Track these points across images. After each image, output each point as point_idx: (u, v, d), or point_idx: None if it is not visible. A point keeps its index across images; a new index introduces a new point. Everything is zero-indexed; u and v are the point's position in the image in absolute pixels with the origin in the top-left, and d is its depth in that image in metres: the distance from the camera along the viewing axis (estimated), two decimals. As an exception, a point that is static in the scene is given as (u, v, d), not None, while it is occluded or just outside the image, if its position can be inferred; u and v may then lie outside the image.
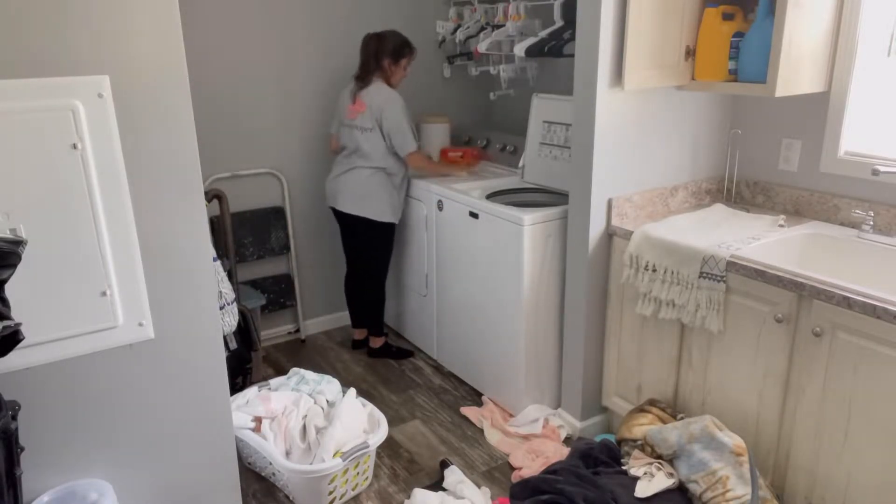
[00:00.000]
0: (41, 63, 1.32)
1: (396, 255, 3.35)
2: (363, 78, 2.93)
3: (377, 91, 2.91)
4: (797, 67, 2.10)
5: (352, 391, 2.49)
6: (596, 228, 2.40)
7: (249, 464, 2.46)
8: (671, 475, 2.03)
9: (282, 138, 3.28)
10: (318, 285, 3.55)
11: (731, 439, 1.98)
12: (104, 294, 1.46)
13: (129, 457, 1.62)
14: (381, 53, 2.91)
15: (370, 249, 3.16)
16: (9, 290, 1.21)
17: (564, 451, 2.44)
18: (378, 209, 3.02)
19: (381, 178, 2.99)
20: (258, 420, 2.36)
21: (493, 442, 2.62)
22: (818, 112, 2.32)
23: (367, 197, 3.00)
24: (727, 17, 2.21)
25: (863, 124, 2.28)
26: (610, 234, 2.42)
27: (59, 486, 1.51)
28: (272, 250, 3.34)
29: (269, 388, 2.53)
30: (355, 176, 2.99)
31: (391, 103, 2.89)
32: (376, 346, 3.33)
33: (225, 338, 2.52)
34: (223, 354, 1.73)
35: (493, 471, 2.47)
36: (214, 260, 2.33)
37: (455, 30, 3.41)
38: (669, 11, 2.20)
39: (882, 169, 2.01)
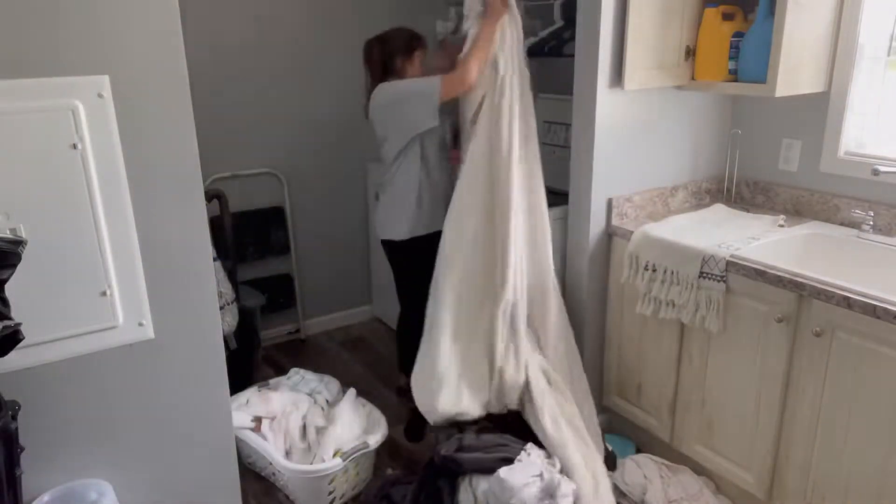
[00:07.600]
0: (41, 63, 1.31)
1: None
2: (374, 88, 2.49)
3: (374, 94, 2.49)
4: (797, 67, 2.10)
5: (352, 391, 2.50)
6: (596, 228, 2.40)
7: (249, 464, 2.46)
8: None
9: (282, 138, 3.27)
10: (319, 285, 3.55)
11: None
12: (104, 294, 1.46)
13: (129, 457, 1.61)
14: (393, 54, 2.48)
15: (395, 277, 2.67)
16: (9, 290, 1.21)
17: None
18: (394, 227, 2.52)
19: (399, 189, 2.50)
20: (258, 420, 2.36)
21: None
22: (818, 112, 2.32)
23: (386, 214, 2.58)
24: (727, 17, 2.21)
25: (863, 124, 2.28)
26: (610, 234, 2.42)
27: (59, 486, 1.51)
28: (272, 250, 3.34)
29: (269, 388, 2.54)
30: (382, 198, 2.60)
31: (381, 90, 2.43)
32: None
33: (225, 338, 2.52)
34: (223, 354, 1.72)
35: (493, 471, 2.46)
36: (214, 260, 2.33)
37: (455, 30, 3.41)
38: (669, 11, 2.20)
39: (882, 169, 2.01)
